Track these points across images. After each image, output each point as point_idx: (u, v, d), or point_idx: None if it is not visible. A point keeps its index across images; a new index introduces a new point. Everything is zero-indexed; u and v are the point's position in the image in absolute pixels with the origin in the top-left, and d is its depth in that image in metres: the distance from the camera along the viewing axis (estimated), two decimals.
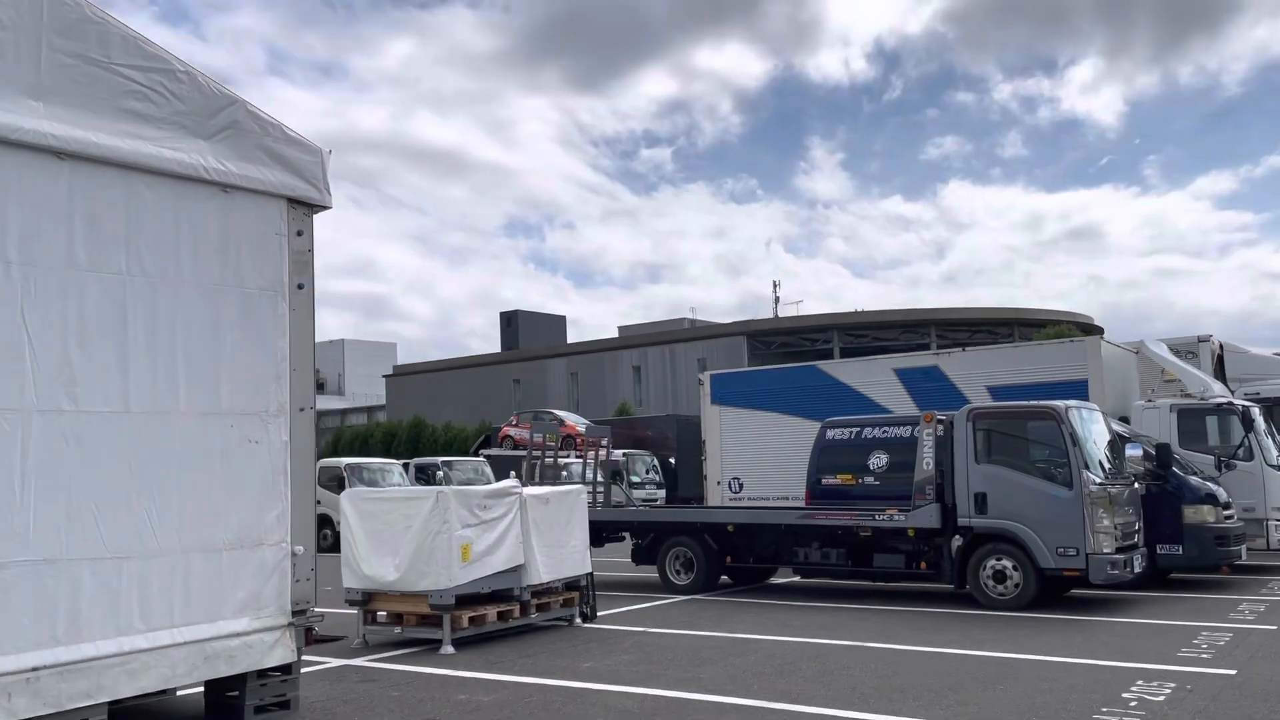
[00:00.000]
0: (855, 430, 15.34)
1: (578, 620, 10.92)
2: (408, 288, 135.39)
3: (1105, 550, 11.09)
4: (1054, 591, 11.97)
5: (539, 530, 10.32)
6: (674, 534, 13.79)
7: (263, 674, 6.80)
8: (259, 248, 6.95)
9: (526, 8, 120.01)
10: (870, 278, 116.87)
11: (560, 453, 32.82)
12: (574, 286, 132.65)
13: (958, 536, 11.84)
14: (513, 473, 14.16)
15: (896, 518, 12.07)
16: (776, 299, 64.30)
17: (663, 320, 64.96)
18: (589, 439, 17.14)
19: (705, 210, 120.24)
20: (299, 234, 7.20)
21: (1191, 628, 9.93)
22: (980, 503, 11.65)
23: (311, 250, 7.28)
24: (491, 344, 67.34)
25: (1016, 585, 11.42)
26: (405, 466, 28.24)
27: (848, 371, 18.18)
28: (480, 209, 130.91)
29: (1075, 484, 11.16)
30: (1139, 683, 7.49)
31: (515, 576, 10.06)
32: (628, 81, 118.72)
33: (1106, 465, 11.75)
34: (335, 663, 8.99)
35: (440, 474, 27.58)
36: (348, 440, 56.51)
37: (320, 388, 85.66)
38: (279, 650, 6.79)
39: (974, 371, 16.87)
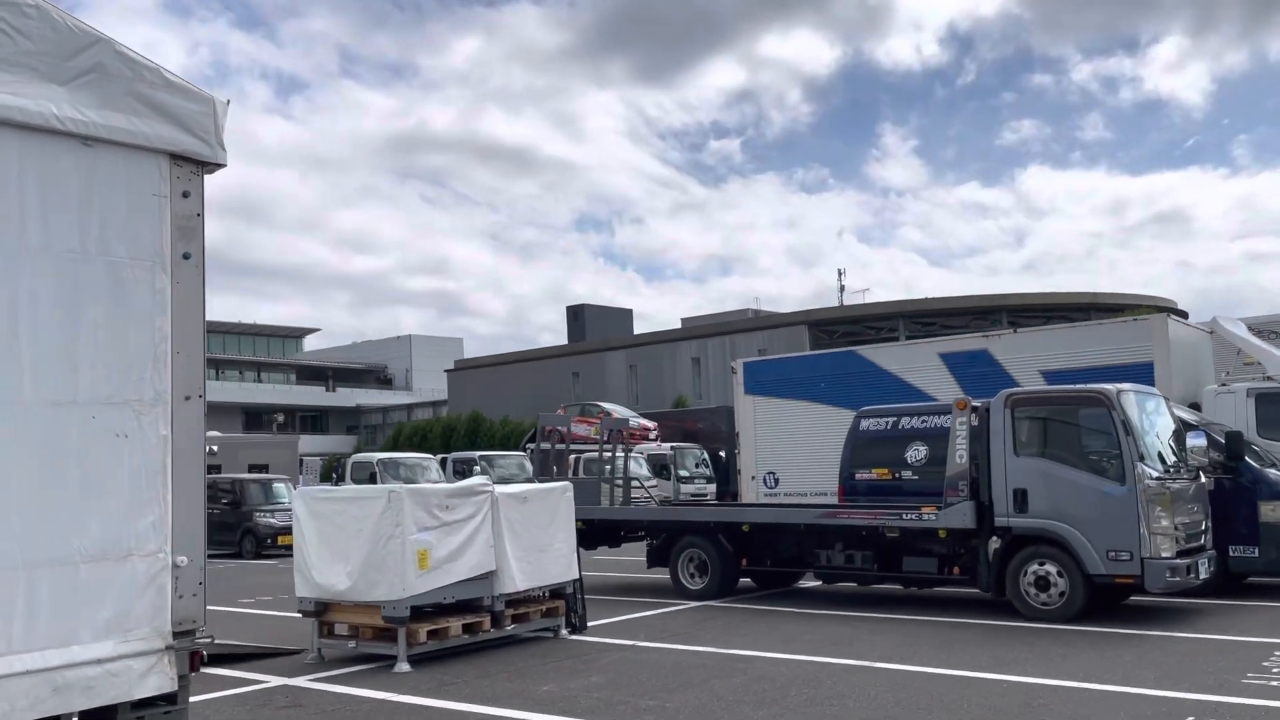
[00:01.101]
0: (892, 420, 14.08)
1: (564, 632, 9.88)
2: (480, 284, 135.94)
3: (1164, 554, 9.70)
4: (1106, 600, 10.61)
5: (514, 533, 9.30)
6: (687, 534, 12.66)
7: (143, 705, 5.87)
8: (131, 211, 5.98)
9: (591, 2, 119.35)
10: (946, 266, 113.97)
11: (608, 446, 32.11)
12: (644, 281, 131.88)
13: (995, 538, 10.53)
14: (476, 467, 13.16)
15: (926, 517, 10.79)
16: (841, 287, 62.60)
17: (725, 312, 63.73)
18: (605, 431, 16.06)
19: (776, 201, 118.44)
20: (185, 195, 6.22)
21: (1264, 646, 8.52)
22: (1020, 500, 10.32)
23: (201, 215, 6.29)
24: (561, 339, 66.86)
25: (1061, 594, 10.08)
26: (443, 462, 27.57)
27: (889, 357, 16.84)
28: (550, 205, 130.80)
29: (1129, 478, 9.78)
30: None
31: (485, 585, 9.05)
32: (695, 73, 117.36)
33: (1167, 457, 10.34)
34: (275, 682, 8.08)
35: (478, 468, 26.82)
36: (407, 435, 56.36)
37: (388, 383, 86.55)
38: (154, 678, 5.82)
39: (1027, 355, 15.44)
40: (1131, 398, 10.27)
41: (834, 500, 14.06)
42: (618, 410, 34.22)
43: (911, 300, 53.50)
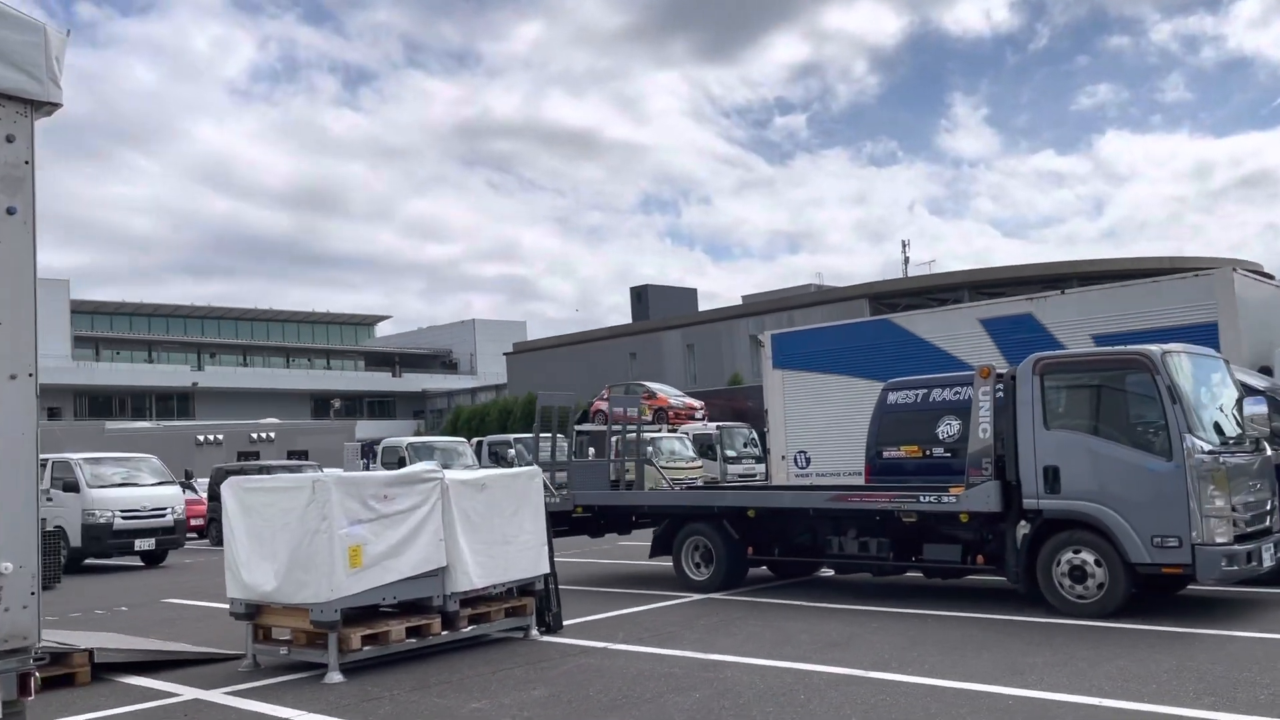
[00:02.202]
0: (921, 392, 12.89)
1: (535, 632, 8.92)
2: (549, 268, 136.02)
3: (1219, 539, 8.37)
4: (1155, 593, 9.32)
5: (470, 524, 8.36)
6: (690, 520, 11.61)
7: None
8: None
9: None
10: (1022, 237, 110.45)
11: (652, 426, 31.10)
12: (711, 260, 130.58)
13: (1024, 522, 9.30)
14: (511, 450, 12.19)
15: (946, 500, 9.59)
16: (906, 259, 60.64)
17: (786, 288, 62.18)
18: (615, 411, 15.02)
19: (844, 176, 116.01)
20: (9, 140, 5.35)
21: None
22: (1051, 479, 9.06)
23: (30, 162, 5.41)
24: (627, 320, 66.09)
25: (1100, 585, 8.82)
26: (478, 446, 26.83)
27: (926, 324, 15.51)
28: (616, 187, 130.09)
29: (1176, 452, 8.47)
30: None
31: (435, 583, 8.13)
32: (757, 49, 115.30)
33: (1226, 428, 8.98)
34: (188, 695, 7.25)
35: (513, 453, 26.05)
36: (465, 418, 56.06)
37: (453, 367, 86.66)
38: None
39: (1075, 318, 14.02)
40: (1181, 360, 8.93)
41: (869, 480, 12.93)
42: (663, 390, 33.18)
43: (978, 270, 51.39)
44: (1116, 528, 8.68)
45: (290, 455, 33.26)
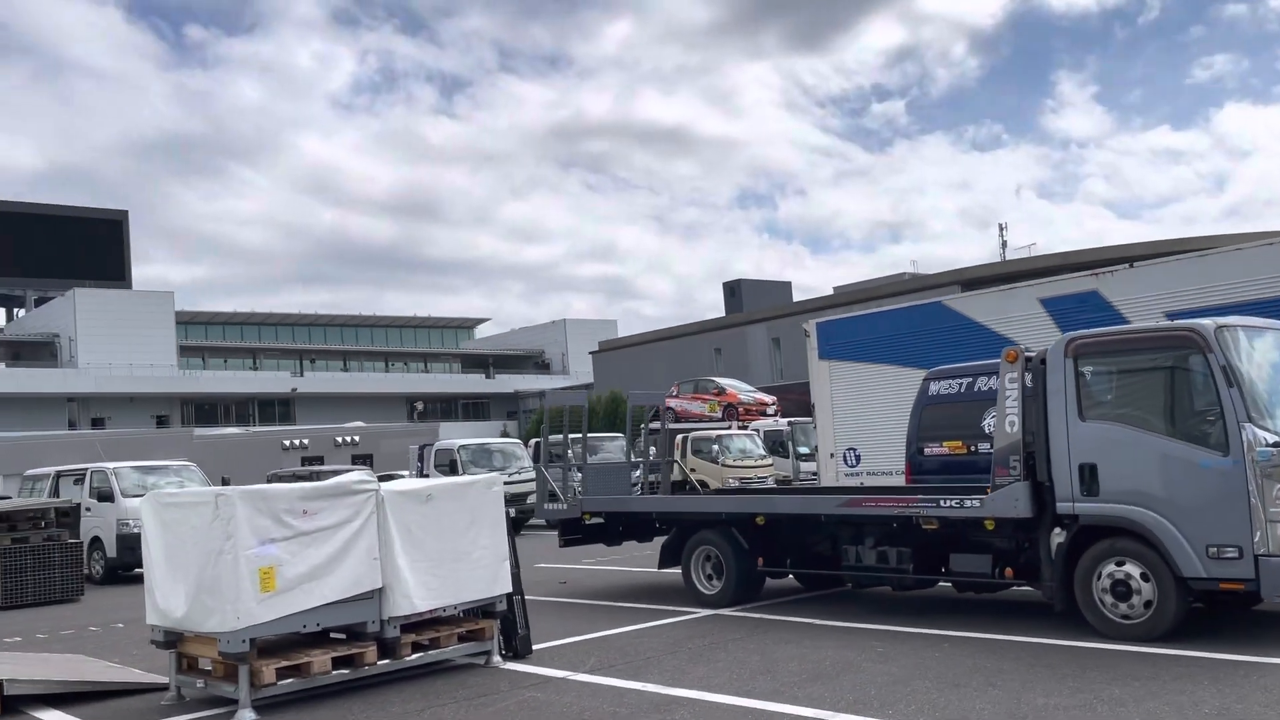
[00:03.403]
0: (966, 381, 11.66)
1: (497, 658, 8.02)
2: (646, 267, 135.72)
3: None
4: (1223, 609, 7.95)
5: (413, 540, 7.50)
6: (700, 528, 10.56)
7: None
8: None
9: None
10: (1137, 218, 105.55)
11: (721, 423, 29.98)
12: (810, 253, 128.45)
13: (1058, 529, 8.02)
14: (570, 451, 11.29)
15: (969, 504, 8.36)
16: (1004, 242, 58.08)
17: (878, 277, 60.19)
18: (636, 408, 14.01)
19: (946, 162, 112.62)
20: None
21: None
22: (1088, 479, 7.77)
23: None
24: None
25: (1147, 603, 7.49)
26: (536, 446, 26.08)
27: (982, 306, 14.12)
28: (710, 183, 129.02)
29: (1234, 445, 7.11)
30: None
31: (369, 607, 7.29)
32: (850, 35, 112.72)
33: None
34: None
35: (571, 453, 25.25)
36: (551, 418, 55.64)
37: (546, 367, 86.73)
38: None
39: (1146, 294, 12.48)
40: (1240, 335, 7.53)
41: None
42: (733, 385, 31.99)
43: (1076, 251, 48.58)
44: (1164, 536, 7.36)
45: (355, 460, 33.08)
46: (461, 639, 7.84)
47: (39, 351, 70.16)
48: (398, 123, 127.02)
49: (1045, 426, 8.06)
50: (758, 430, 28.20)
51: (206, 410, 72.77)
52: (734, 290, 68.80)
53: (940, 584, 9.21)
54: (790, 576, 10.62)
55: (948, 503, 8.52)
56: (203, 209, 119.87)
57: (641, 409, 12.63)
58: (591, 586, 12.51)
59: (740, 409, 29.98)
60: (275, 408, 74.43)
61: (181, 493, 7.25)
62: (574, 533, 11.97)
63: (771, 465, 26.68)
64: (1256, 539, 6.98)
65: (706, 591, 10.37)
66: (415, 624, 7.57)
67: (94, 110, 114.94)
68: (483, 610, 8.03)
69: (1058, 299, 13.29)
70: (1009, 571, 8.31)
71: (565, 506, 11.72)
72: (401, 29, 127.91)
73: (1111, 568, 7.66)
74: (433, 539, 7.62)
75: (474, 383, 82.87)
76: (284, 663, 6.83)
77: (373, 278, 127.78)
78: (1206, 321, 7.53)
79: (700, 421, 30.15)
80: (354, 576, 7.15)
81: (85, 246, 72.90)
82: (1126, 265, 13.06)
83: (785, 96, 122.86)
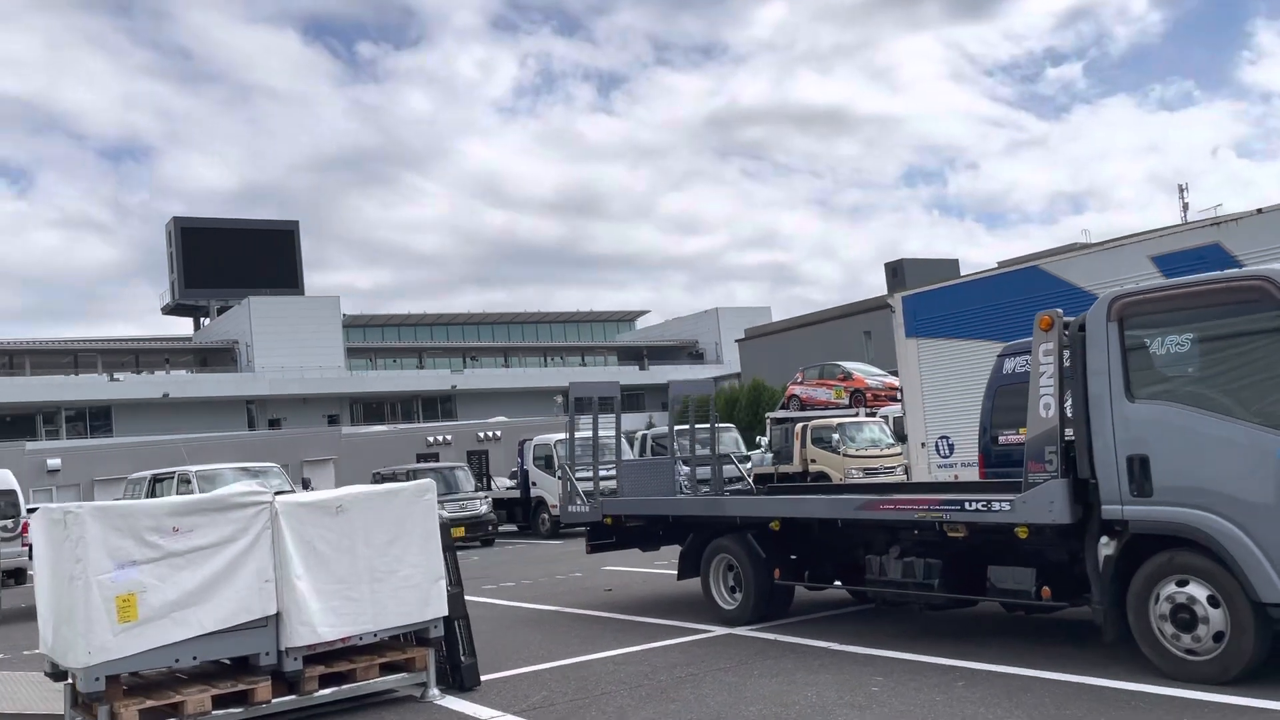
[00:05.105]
0: None
1: (434, 691, 6.98)
2: (811, 252, 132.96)
3: None
4: None
5: (318, 559, 6.56)
6: (717, 534, 9.25)
7: None
8: None
9: None
10: None
11: (849, 410, 28.13)
12: (985, 229, 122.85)
13: (1106, 538, 6.36)
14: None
15: (997, 507, 6.78)
16: (1185, 205, 53.27)
17: (1046, 250, 56.27)
18: (678, 396, 12.70)
19: (1131, 125, 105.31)
20: None
21: None
22: (1139, 474, 6.10)
23: None
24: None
25: (1217, 636, 5.79)
26: (643, 439, 25.08)
27: (1085, 270, 12.16)
28: (875, 162, 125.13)
29: None
30: None
31: (264, 636, 6.39)
32: None
33: None
34: None
35: (678, 446, 24.08)
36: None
37: (699, 357, 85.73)
38: None
39: (1278, 246, 10.36)
40: None
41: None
42: (860, 370, 30.01)
43: (1270, 208, 43.87)
44: (1236, 548, 5.64)
45: (470, 457, 32.82)
46: (387, 669, 6.85)
47: (221, 357, 74.16)
48: (558, 122, 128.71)
49: (1086, 409, 6.41)
50: (886, 417, 26.25)
51: (374, 408, 75.27)
52: (896, 271, 65.87)
53: (963, 605, 7.61)
54: (842, 587, 9.18)
55: (974, 505, 6.96)
56: (380, 217, 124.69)
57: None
58: (635, 596, 11.36)
59: (869, 394, 28.02)
60: (438, 405, 76.23)
61: (61, 507, 6.54)
62: (604, 536, 10.84)
63: (900, 455, 24.71)
64: None
65: (726, 606, 9.07)
66: (325, 655, 6.63)
67: (278, 130, 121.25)
68: (417, 637, 7.03)
69: (1173, 255, 11.26)
70: (1046, 591, 6.68)
71: (586, 509, 10.62)
72: (558, 30, 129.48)
73: (1171, 588, 5.97)
74: (345, 557, 6.66)
75: (629, 374, 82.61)
76: (151, 703, 6.01)
77: (542, 275, 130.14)
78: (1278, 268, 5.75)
79: (826, 409, 28.43)
80: (239, 603, 6.27)
81: (262, 257, 76.59)
82: (1256, 211, 10.91)
83: (950, 67, 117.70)
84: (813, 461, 24.71)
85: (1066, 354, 6.56)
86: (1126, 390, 6.21)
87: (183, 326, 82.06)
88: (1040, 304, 12.82)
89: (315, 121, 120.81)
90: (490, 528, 20.95)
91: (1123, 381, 6.23)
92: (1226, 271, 6.74)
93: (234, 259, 75.05)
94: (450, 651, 7.19)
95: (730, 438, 25.50)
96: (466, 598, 7.65)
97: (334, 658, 6.69)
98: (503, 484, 27.17)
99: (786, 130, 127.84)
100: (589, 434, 25.64)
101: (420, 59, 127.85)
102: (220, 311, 76.97)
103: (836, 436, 24.64)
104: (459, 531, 20.54)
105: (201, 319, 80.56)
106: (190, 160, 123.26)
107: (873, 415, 26.91)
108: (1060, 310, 6.71)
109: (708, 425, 12.37)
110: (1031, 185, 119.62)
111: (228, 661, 6.61)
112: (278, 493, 6.91)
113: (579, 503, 10.77)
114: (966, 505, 6.99)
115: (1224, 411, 5.81)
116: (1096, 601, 6.39)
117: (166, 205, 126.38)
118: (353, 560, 6.70)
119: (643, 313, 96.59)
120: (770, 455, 26.74)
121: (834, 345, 53.39)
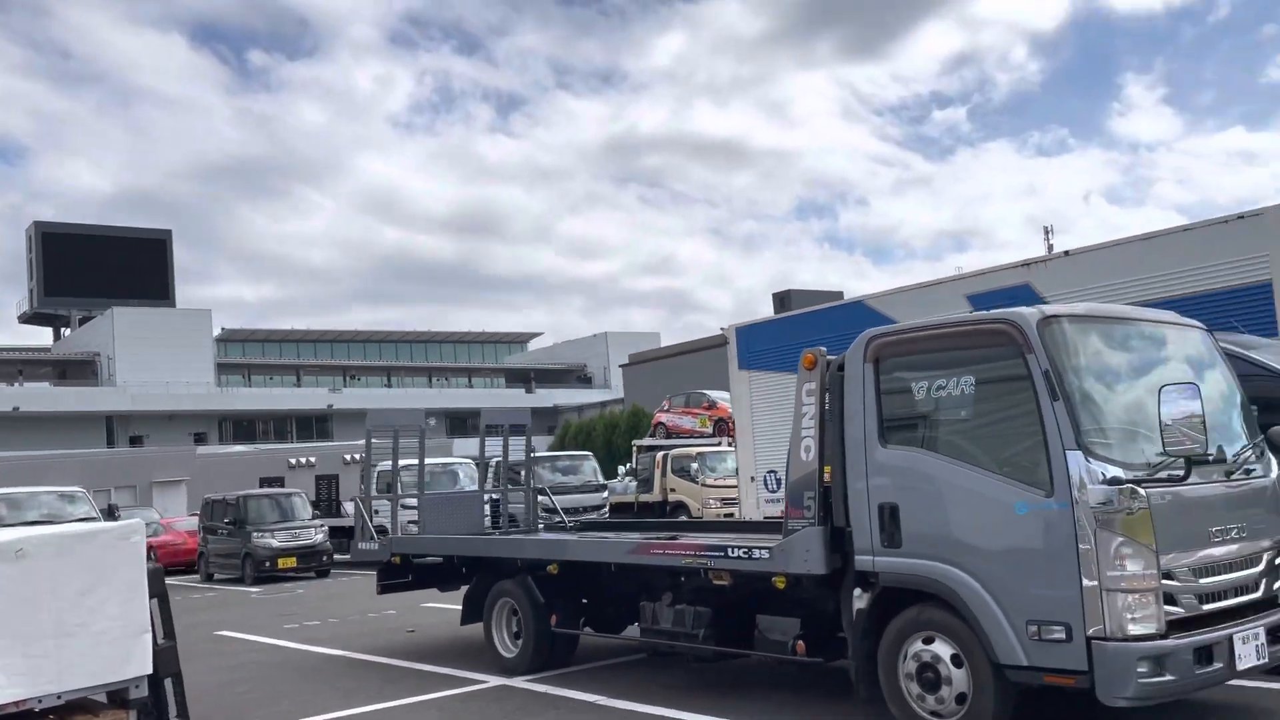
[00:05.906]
0: None
1: None
2: (705, 280, 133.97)
3: (1135, 628, 4.92)
4: (1062, 706, 5.86)
5: None
6: (500, 576, 8.70)
7: None
8: None
9: None
10: None
11: (712, 440, 27.96)
12: (872, 263, 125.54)
13: (860, 590, 6.01)
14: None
15: (757, 554, 6.40)
16: (1049, 246, 54.98)
17: (924, 283, 57.49)
18: (490, 426, 12.11)
19: (1010, 169, 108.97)
20: None
21: None
22: (890, 524, 5.77)
23: None
24: None
25: (960, 698, 5.46)
26: (497, 466, 24.43)
27: (904, 306, 12.00)
28: (768, 194, 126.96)
29: (1059, 482, 5.07)
30: None
31: None
32: (907, 42, 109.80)
33: (1175, 439, 5.39)
34: None
35: (543, 471, 23.51)
36: (573, 433, 54.01)
37: (588, 382, 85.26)
38: None
39: (1086, 287, 10.30)
40: (1074, 331, 5.47)
41: None
42: (725, 399, 29.86)
43: (1077, 250, 45.54)
44: (977, 606, 5.33)
45: (319, 482, 31.66)
46: None
47: (81, 370, 70.69)
48: (456, 141, 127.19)
49: (843, 453, 6.08)
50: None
51: (245, 427, 72.56)
52: (784, 300, 66.44)
53: (724, 658, 7.19)
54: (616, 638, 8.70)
55: (736, 552, 6.58)
56: (268, 229, 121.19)
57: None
58: (434, 639, 10.74)
59: (731, 424, 27.84)
60: (313, 424, 74.00)
61: None
62: (397, 576, 10.16)
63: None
64: (1088, 614, 4.94)
65: (506, 654, 8.52)
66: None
67: (161, 136, 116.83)
68: (119, 698, 6.29)
69: (986, 295, 11.16)
70: (800, 646, 6.31)
71: (375, 547, 9.97)
72: (458, 49, 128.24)
73: (919, 646, 5.64)
74: (23, 608, 5.89)
75: (515, 397, 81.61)
76: None
77: (437, 295, 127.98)
78: (1029, 310, 5.51)
79: (691, 437, 28.21)
80: None
81: (131, 266, 73.31)
82: (1064, 253, 10.92)
83: (842, 105, 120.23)
84: (672, 491, 24.35)
85: (829, 395, 6.24)
86: (880, 435, 5.90)
87: (42, 337, 78.19)
88: None
89: (201, 129, 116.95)
90: (325, 558, 19.99)
91: (876, 425, 5.92)
92: (976, 313, 6.54)
93: (100, 267, 71.65)
94: (160, 713, 6.46)
95: (590, 466, 25.00)
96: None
97: None
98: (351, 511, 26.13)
99: (684, 159, 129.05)
100: (444, 460, 24.74)
101: (315, 71, 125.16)
102: (82, 322, 73.46)
103: (695, 466, 24.34)
104: (289, 562, 19.59)
105: (62, 329, 76.79)
106: (65, 163, 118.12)
107: (734, 445, 26.72)
108: (824, 349, 6.39)
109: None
110: (917, 223, 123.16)
111: None
112: (81, 519, 6.12)
113: (368, 540, 10.12)
114: (729, 552, 6.60)
115: (970, 460, 5.51)
116: (850, 657, 6.04)
117: (38, 209, 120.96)
118: (34, 612, 5.92)
119: (535, 335, 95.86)
120: (635, 484, 26.33)
121: (715, 373, 53.36)
